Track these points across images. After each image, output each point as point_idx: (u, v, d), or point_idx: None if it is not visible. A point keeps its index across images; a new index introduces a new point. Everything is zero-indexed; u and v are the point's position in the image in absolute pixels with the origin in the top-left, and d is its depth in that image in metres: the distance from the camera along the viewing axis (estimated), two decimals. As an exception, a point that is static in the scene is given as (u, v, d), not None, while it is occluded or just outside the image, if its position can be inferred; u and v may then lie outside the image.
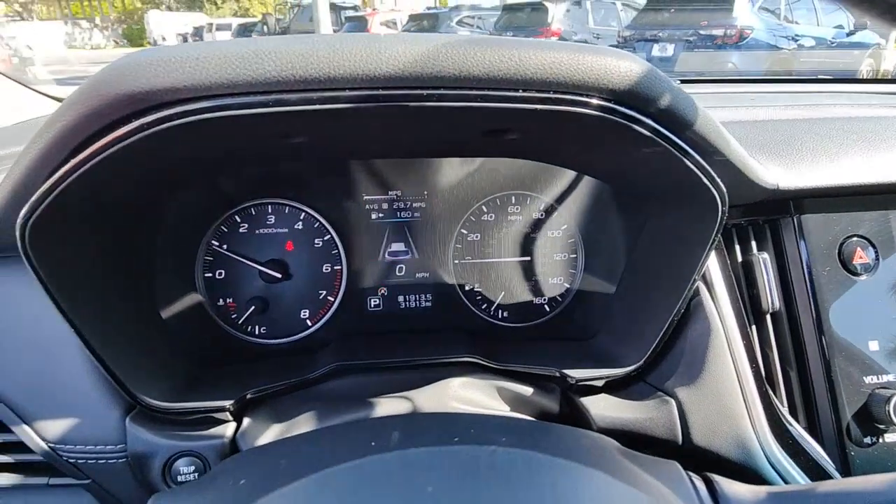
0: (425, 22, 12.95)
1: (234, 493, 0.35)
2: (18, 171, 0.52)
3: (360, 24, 14.36)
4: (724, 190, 0.57)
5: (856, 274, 0.69)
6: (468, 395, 0.70)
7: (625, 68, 0.48)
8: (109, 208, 0.63)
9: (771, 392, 0.66)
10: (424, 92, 0.47)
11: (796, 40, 7.13)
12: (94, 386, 0.62)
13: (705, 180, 0.55)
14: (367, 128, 0.58)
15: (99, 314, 0.59)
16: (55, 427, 0.62)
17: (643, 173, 0.66)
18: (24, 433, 0.61)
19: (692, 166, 0.54)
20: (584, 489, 0.27)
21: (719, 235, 0.60)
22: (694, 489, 0.42)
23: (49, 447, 0.61)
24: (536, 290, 0.89)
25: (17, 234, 0.50)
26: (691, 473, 0.45)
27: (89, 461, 0.62)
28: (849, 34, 7.26)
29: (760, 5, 7.25)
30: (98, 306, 0.60)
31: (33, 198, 0.49)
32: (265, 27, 18.88)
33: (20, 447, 0.62)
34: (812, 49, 7.12)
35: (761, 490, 0.42)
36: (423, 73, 0.46)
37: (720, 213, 0.57)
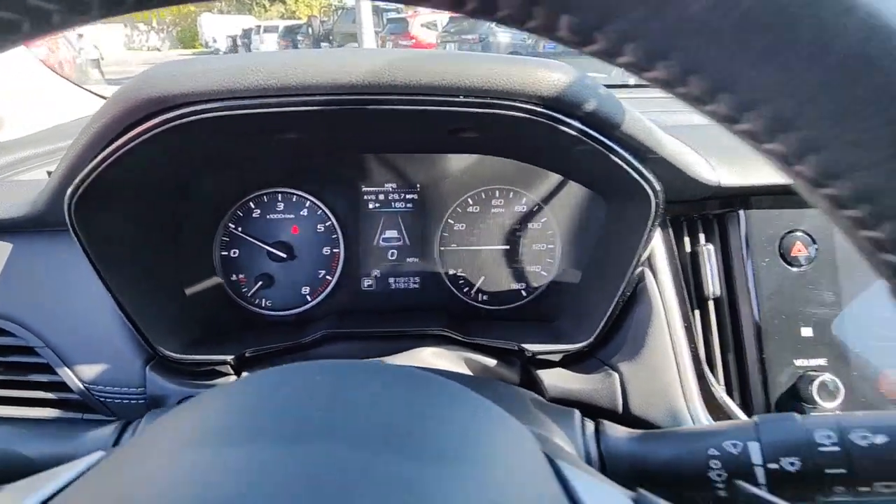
0: (465, 23, 13.02)
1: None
2: (69, 158, 0.65)
3: (401, 25, 14.64)
4: (656, 185, 0.64)
5: (794, 265, 0.74)
6: (437, 362, 0.80)
7: (553, 78, 0.57)
8: (141, 192, 0.76)
9: (709, 371, 0.73)
10: (381, 97, 0.57)
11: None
12: (122, 339, 0.75)
13: (635, 176, 0.63)
14: (345, 127, 0.69)
15: (129, 281, 0.71)
16: (90, 371, 0.75)
17: (588, 170, 0.73)
18: (66, 374, 0.75)
19: (621, 163, 0.62)
20: (455, 405, 0.33)
21: (656, 226, 0.67)
22: (583, 429, 0.50)
23: (84, 387, 0.75)
24: (515, 276, 0.97)
25: (65, 207, 0.63)
26: (586, 419, 0.53)
27: (116, 400, 0.75)
28: None
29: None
30: (129, 275, 0.72)
31: (77, 179, 0.62)
32: (310, 29, 19.42)
33: (61, 387, 0.76)
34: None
35: (635, 432, 0.49)
36: (379, 82, 0.56)
37: (653, 206, 0.65)
